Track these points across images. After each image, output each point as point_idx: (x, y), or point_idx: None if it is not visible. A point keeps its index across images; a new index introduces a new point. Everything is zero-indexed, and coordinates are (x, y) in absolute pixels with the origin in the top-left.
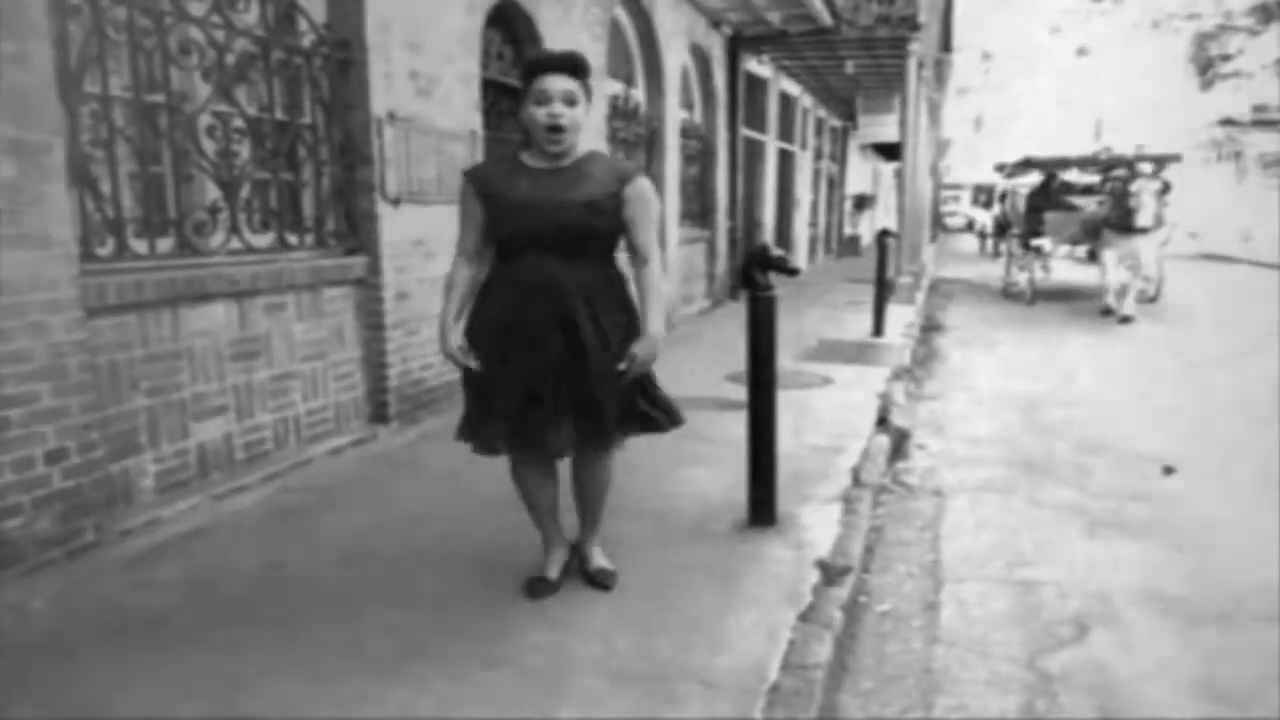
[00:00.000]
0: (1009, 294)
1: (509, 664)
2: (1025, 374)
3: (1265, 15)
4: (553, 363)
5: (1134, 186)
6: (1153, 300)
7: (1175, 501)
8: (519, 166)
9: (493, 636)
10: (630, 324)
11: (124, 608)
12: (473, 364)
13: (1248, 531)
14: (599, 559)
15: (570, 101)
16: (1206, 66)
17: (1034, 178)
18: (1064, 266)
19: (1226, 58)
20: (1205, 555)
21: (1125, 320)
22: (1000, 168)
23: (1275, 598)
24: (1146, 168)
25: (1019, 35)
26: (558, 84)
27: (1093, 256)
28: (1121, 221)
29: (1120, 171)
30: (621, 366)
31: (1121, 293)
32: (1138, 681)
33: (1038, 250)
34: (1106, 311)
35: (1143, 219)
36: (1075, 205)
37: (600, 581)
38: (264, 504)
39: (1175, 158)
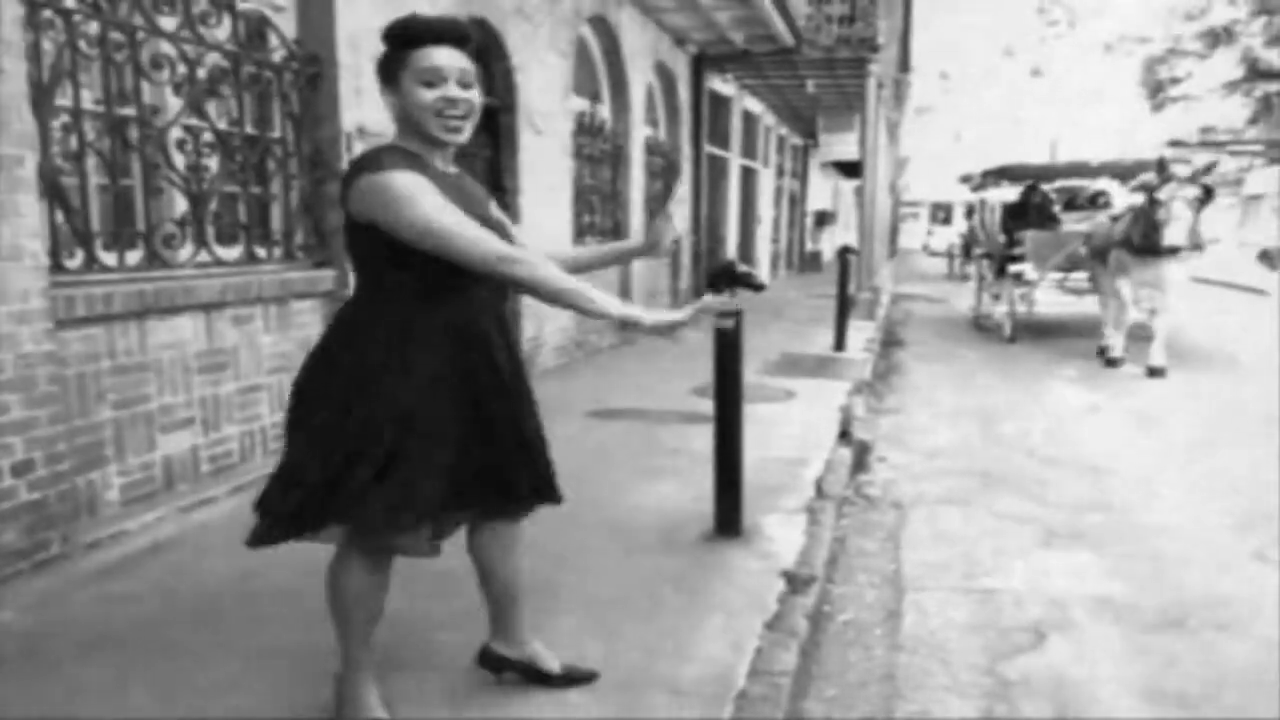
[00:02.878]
0: (981, 326)
1: (481, 674)
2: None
3: (1213, 40)
4: (489, 416)
5: (1163, 193)
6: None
7: (1129, 511)
8: (430, 171)
9: (460, 647)
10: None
11: (94, 619)
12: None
13: (1199, 541)
14: (549, 656)
15: (466, 84)
16: (1157, 89)
17: (1003, 191)
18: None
19: (1176, 80)
20: (1157, 564)
21: (1156, 373)
22: (966, 179)
23: (1224, 606)
24: (1182, 169)
25: (975, 57)
26: (452, 60)
27: (1096, 285)
28: (1146, 241)
29: (1147, 177)
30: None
31: (1141, 333)
32: (1093, 686)
33: (1017, 277)
34: (1105, 355)
35: (1173, 234)
36: (1060, 222)
37: (582, 676)
38: (231, 516)
39: (1193, 163)
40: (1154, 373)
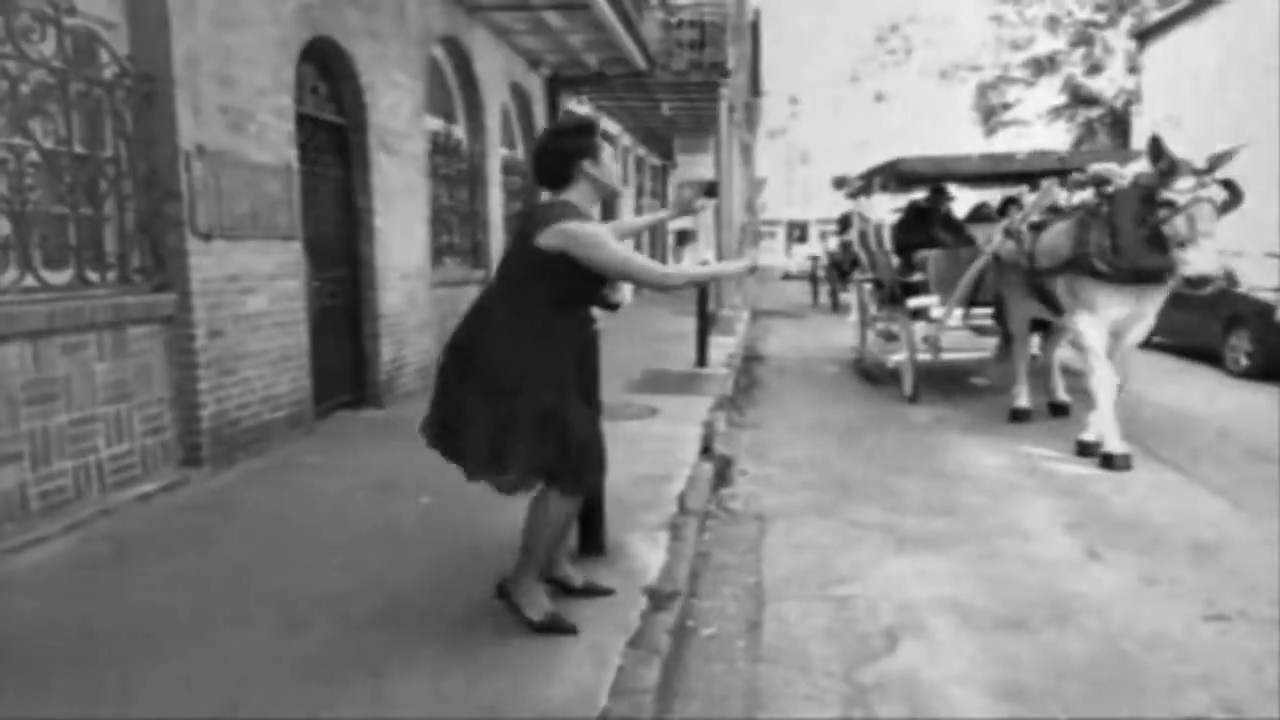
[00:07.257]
0: (869, 375)
1: (334, 713)
2: None
3: (1038, 68)
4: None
5: (1176, 192)
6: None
7: (975, 515)
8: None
9: (318, 683)
10: None
11: None
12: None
13: (1033, 541)
14: (575, 574)
15: None
16: (989, 114)
17: (891, 199)
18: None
19: (1006, 106)
20: (1001, 566)
21: (1116, 464)
22: (840, 184)
23: (1062, 605)
24: (1197, 160)
25: (822, 82)
26: None
27: (999, 319)
28: (1131, 259)
29: (1137, 167)
30: None
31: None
32: (944, 686)
33: (917, 314)
34: (1106, 458)
35: (1194, 254)
36: (973, 239)
37: (600, 591)
38: (64, 556)
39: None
40: (1110, 463)
